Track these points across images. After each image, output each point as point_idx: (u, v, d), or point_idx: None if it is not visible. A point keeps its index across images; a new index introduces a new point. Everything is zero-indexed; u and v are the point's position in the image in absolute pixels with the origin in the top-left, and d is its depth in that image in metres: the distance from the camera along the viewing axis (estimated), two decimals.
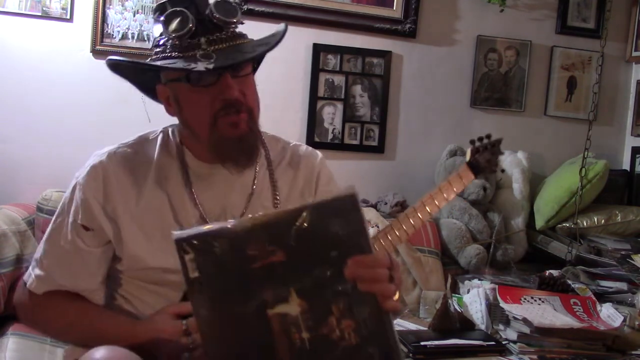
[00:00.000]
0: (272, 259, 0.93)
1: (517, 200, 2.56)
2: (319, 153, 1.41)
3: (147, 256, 1.19)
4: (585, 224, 2.50)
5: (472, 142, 1.50)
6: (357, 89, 2.62)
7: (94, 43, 2.31)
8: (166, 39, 1.16)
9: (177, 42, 1.14)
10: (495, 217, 2.50)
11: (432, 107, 2.73)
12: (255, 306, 0.94)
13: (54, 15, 2.28)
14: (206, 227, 0.96)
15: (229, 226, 0.94)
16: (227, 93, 1.14)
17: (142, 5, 2.34)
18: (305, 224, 0.93)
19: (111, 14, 2.32)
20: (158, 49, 1.18)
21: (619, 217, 2.52)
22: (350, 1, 2.58)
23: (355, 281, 0.93)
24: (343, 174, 2.49)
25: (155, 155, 1.26)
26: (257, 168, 1.29)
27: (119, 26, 2.33)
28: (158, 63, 1.16)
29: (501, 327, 1.83)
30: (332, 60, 2.58)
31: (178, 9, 1.15)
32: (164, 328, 1.13)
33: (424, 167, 2.68)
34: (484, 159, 1.49)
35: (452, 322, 1.83)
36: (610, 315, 1.86)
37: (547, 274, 2.09)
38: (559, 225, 2.53)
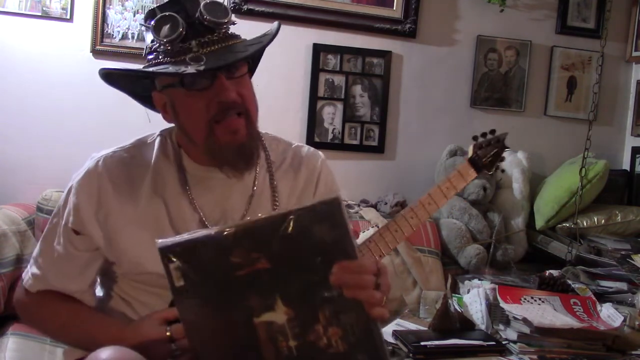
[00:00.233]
0: (257, 266, 0.92)
1: (517, 200, 2.56)
2: (320, 154, 1.39)
3: (146, 261, 1.17)
4: (585, 224, 2.50)
5: (475, 137, 1.48)
6: (357, 89, 2.62)
7: (94, 43, 2.31)
8: (157, 44, 1.15)
9: (168, 48, 1.13)
10: (495, 217, 2.50)
11: (432, 107, 2.73)
12: (241, 314, 0.93)
13: (54, 15, 2.28)
14: (191, 235, 0.94)
15: (212, 233, 0.93)
16: (222, 95, 1.12)
17: (142, 5, 2.35)
18: (289, 230, 0.91)
19: (111, 14, 2.32)
20: (150, 56, 1.17)
21: (619, 217, 2.52)
22: (350, 1, 2.58)
23: (341, 288, 0.92)
24: (343, 174, 2.49)
25: (153, 159, 1.24)
26: (258, 170, 1.28)
27: (119, 26, 2.33)
28: (151, 69, 1.15)
29: (501, 327, 1.83)
30: (332, 60, 2.58)
31: (167, 13, 1.13)
32: (149, 333, 1.12)
33: (424, 167, 2.68)
34: (486, 154, 1.47)
35: (452, 322, 1.83)
36: (610, 315, 1.86)
37: (547, 274, 2.09)
38: (559, 225, 2.53)
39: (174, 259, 0.93)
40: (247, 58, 1.17)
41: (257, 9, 2.46)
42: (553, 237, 2.54)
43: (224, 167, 1.19)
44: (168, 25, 1.12)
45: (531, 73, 2.82)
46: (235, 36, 1.19)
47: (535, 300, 1.89)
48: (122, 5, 2.33)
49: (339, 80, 2.59)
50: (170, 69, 1.11)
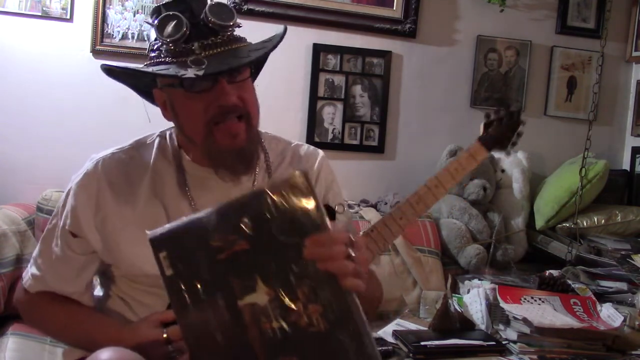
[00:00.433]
0: (235, 248, 0.92)
1: (517, 200, 2.56)
2: (320, 152, 1.39)
3: (144, 263, 1.17)
4: (585, 224, 2.50)
5: (487, 115, 1.42)
6: (357, 89, 2.62)
7: (94, 43, 2.31)
8: (160, 43, 1.14)
9: (171, 47, 1.12)
10: (495, 217, 2.50)
11: (432, 107, 2.73)
12: (226, 298, 0.92)
13: (54, 15, 2.28)
14: (176, 223, 0.96)
15: (193, 219, 0.94)
16: (223, 99, 1.12)
17: (142, 5, 2.34)
18: (261, 209, 0.92)
19: (111, 14, 2.32)
20: (153, 54, 1.17)
21: (619, 217, 2.52)
22: (350, 1, 2.58)
23: (314, 262, 0.91)
24: (343, 174, 2.48)
25: (152, 160, 1.24)
26: (257, 170, 1.27)
27: (119, 26, 2.33)
28: (150, 69, 1.15)
29: (501, 327, 1.83)
30: (332, 60, 2.58)
31: (172, 13, 1.13)
32: (146, 334, 1.12)
33: (424, 167, 2.68)
34: (499, 132, 1.38)
35: (452, 322, 1.83)
36: (610, 315, 1.86)
37: (547, 274, 2.09)
38: (559, 225, 2.53)
39: (162, 248, 0.94)
40: (248, 64, 1.16)
41: (257, 9, 2.46)
42: (553, 237, 2.54)
43: (219, 170, 1.19)
44: (172, 25, 1.12)
45: (531, 73, 2.82)
46: (239, 39, 1.18)
47: (535, 300, 1.89)
48: (122, 5, 2.33)
49: (339, 80, 2.60)
50: (171, 70, 1.11)
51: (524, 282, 2.08)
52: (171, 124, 1.27)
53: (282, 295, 0.92)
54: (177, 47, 1.12)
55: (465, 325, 1.84)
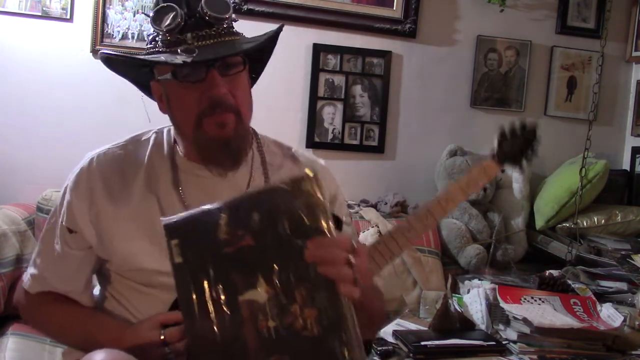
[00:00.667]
0: (242, 243, 0.93)
1: (517, 200, 2.56)
2: (320, 161, 1.38)
3: (137, 258, 1.17)
4: (585, 224, 2.50)
5: (502, 131, 1.36)
6: (357, 89, 2.62)
7: (94, 43, 2.31)
8: (156, 34, 1.16)
9: (167, 37, 1.14)
10: (495, 217, 2.50)
11: (432, 107, 2.73)
12: (228, 292, 0.93)
13: (53, 15, 2.28)
14: (191, 212, 0.97)
15: (206, 210, 0.95)
16: (213, 90, 1.12)
17: (142, 5, 2.34)
18: (268, 207, 0.93)
19: (111, 14, 2.32)
20: (150, 45, 1.18)
21: (619, 217, 2.52)
22: (350, 1, 2.58)
23: (315, 265, 0.91)
24: (343, 174, 2.49)
25: (147, 156, 1.24)
26: (253, 171, 1.26)
27: (119, 26, 2.33)
28: (143, 57, 1.16)
29: (501, 327, 1.83)
30: (332, 60, 2.58)
31: (168, 4, 1.14)
32: (144, 336, 1.12)
33: (424, 167, 2.68)
34: (513, 148, 1.35)
35: (452, 322, 1.83)
36: (610, 315, 1.86)
37: (547, 274, 2.09)
38: (559, 225, 2.53)
39: (175, 236, 0.95)
40: (238, 54, 1.16)
41: (257, 9, 2.46)
42: (553, 237, 2.54)
43: (209, 164, 1.19)
44: (167, 15, 1.13)
45: (531, 73, 2.82)
46: (234, 33, 1.18)
47: (535, 300, 1.89)
48: (122, 5, 2.33)
49: (339, 80, 2.59)
50: (162, 58, 1.12)
51: (524, 282, 2.09)
52: (170, 123, 1.28)
53: (281, 295, 0.92)
54: (172, 37, 1.13)
55: (465, 325, 1.84)
